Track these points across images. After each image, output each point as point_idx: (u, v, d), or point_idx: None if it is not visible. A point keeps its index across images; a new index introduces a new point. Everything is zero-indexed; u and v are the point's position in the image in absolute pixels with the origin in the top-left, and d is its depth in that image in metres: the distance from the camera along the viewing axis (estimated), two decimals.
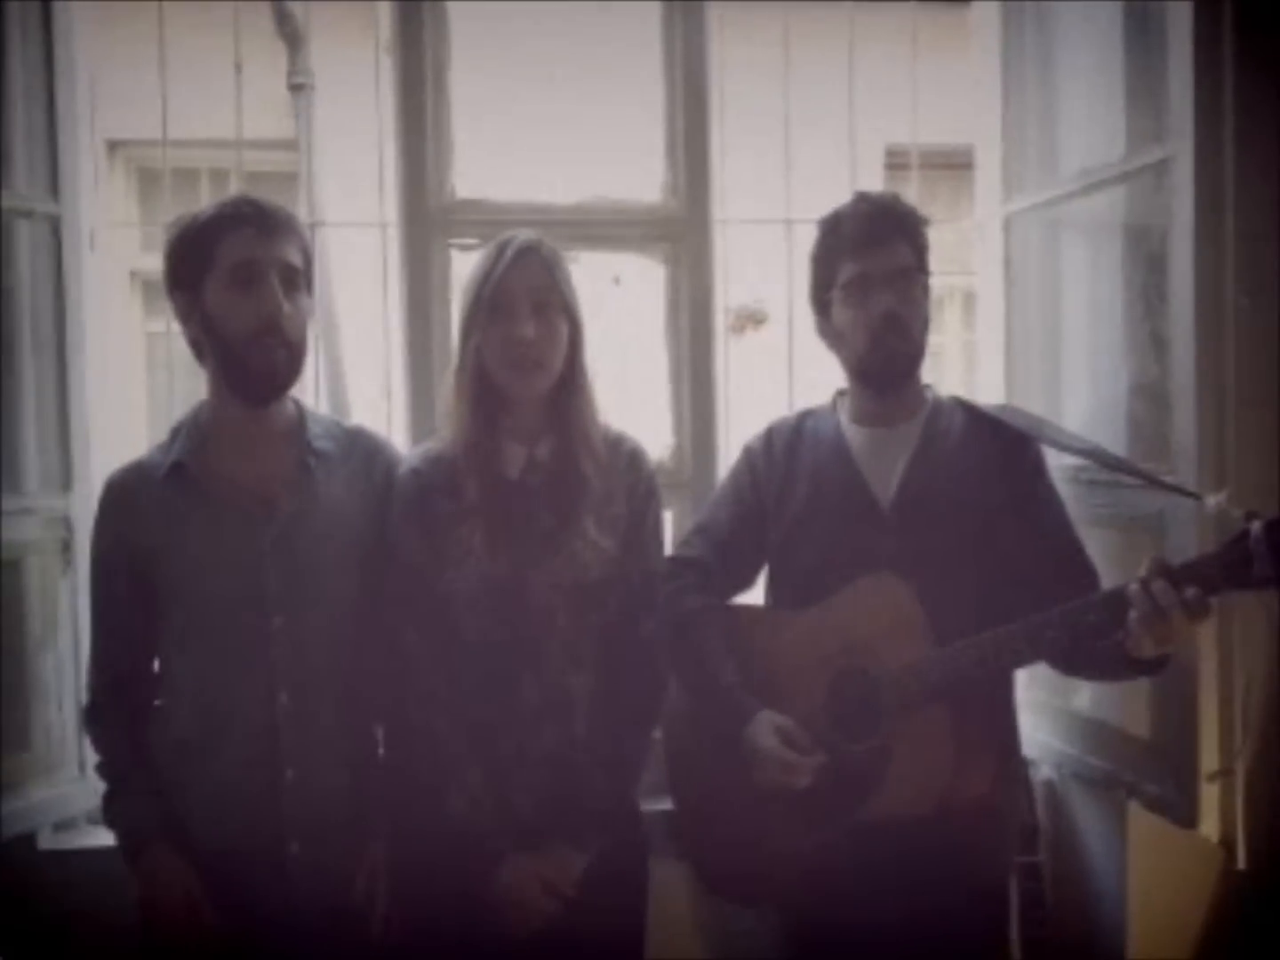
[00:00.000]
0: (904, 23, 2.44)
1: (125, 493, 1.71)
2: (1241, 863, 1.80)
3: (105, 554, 1.73)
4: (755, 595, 1.96)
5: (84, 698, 1.80)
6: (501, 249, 1.68)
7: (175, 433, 1.75)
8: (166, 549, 1.67)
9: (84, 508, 2.08)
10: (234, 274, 1.63)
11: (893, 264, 1.75)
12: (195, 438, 1.71)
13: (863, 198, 1.81)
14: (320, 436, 1.74)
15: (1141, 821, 1.97)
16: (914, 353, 1.79)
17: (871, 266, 1.74)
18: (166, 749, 1.69)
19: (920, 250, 1.79)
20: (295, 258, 1.66)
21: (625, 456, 1.78)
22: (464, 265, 1.79)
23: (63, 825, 2.11)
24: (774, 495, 1.87)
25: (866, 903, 1.68)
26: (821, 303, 1.82)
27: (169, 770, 1.68)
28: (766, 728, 1.71)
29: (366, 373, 2.55)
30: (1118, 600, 1.52)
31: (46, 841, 2.08)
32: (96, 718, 1.75)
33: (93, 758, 1.76)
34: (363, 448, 1.79)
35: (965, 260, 2.49)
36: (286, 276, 1.65)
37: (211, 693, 1.66)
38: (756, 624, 1.88)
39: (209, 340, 1.67)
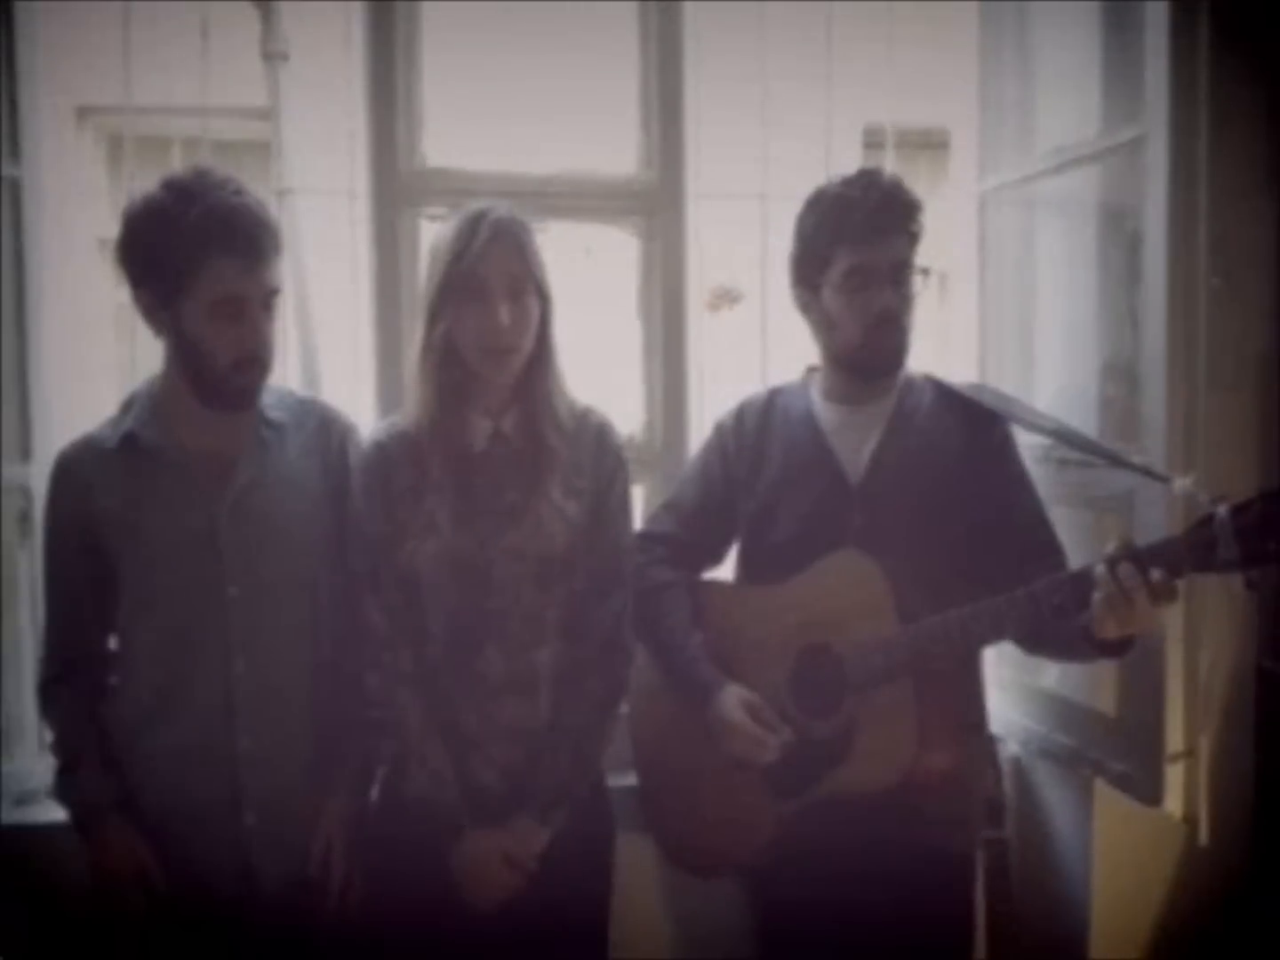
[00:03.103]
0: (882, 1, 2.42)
1: (76, 467, 1.69)
2: (1204, 839, 1.82)
3: (57, 529, 1.71)
4: (725, 571, 1.96)
5: (38, 674, 1.78)
6: (475, 226, 1.63)
7: (127, 405, 1.72)
8: (120, 522, 1.65)
9: (44, 477, 2.01)
10: (219, 307, 1.59)
11: (894, 257, 1.73)
12: (148, 409, 1.69)
13: (871, 182, 1.75)
14: (273, 407, 1.73)
15: (1106, 798, 1.99)
16: (904, 348, 1.78)
17: (873, 259, 1.72)
18: (122, 723, 1.68)
19: (915, 240, 1.77)
20: (276, 279, 1.64)
21: (593, 429, 1.76)
22: (435, 235, 1.76)
23: (22, 799, 2.09)
24: (744, 472, 1.86)
25: (831, 876, 1.68)
26: (810, 283, 1.80)
27: (125, 743, 1.67)
28: (733, 701, 1.71)
29: (336, 342, 2.52)
30: (1084, 581, 1.52)
31: (6, 816, 2.06)
32: (50, 695, 1.74)
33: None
34: (317, 417, 1.78)
35: (940, 239, 2.48)
36: (268, 301, 1.63)
37: (167, 665, 1.65)
38: (724, 598, 1.88)
39: (182, 352, 1.64)
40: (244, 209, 1.59)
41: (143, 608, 1.66)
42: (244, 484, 1.67)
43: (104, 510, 1.66)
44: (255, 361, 1.63)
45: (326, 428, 1.77)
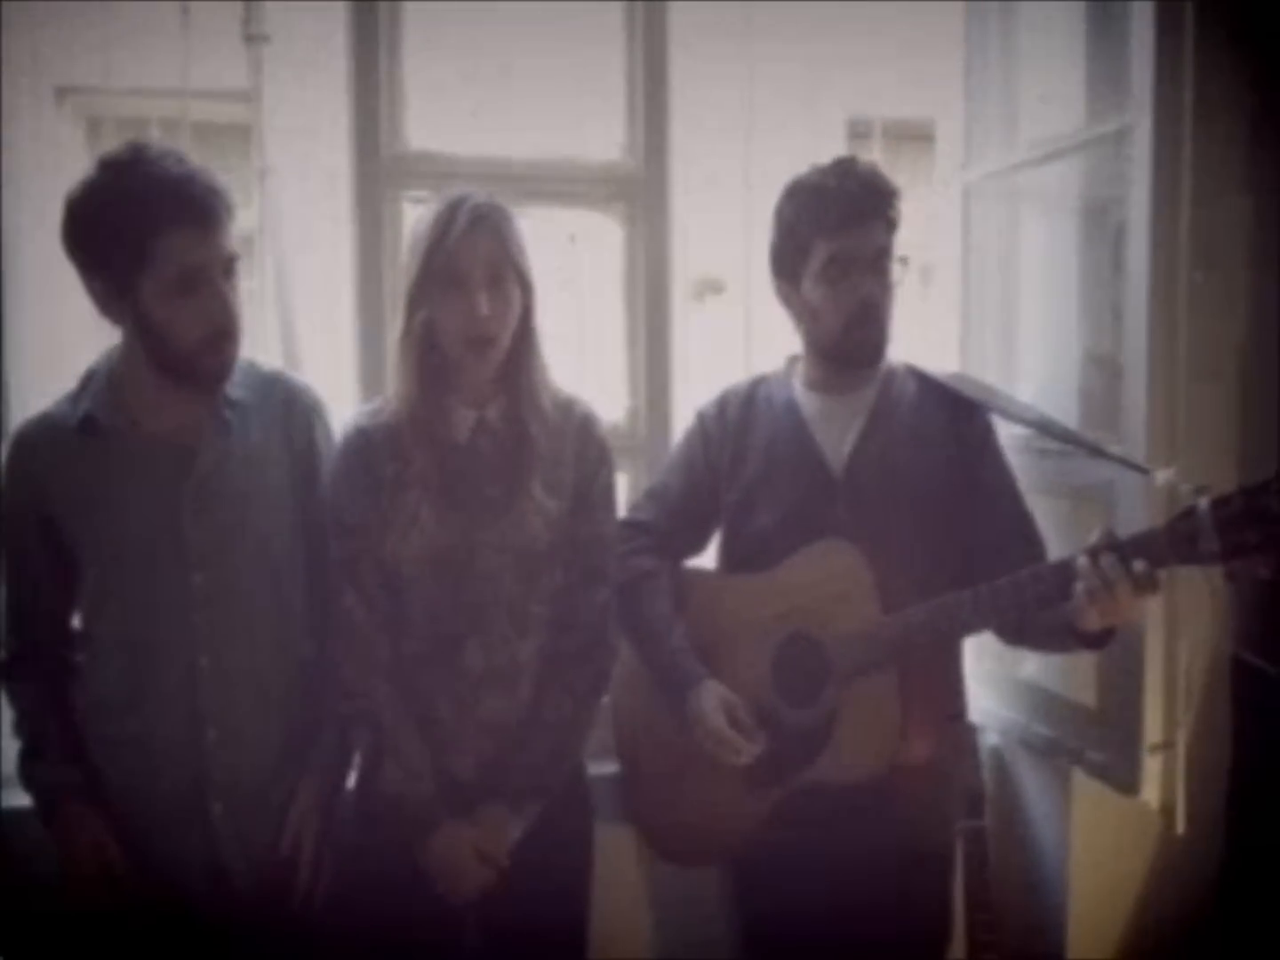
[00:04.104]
0: None
1: (34, 446, 1.65)
2: (1180, 828, 1.83)
3: (14, 510, 1.66)
4: (707, 560, 1.96)
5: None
6: (453, 214, 1.61)
7: (85, 381, 1.68)
8: (80, 503, 1.62)
9: None
10: (180, 283, 1.53)
11: (873, 245, 1.72)
12: (106, 389, 1.64)
13: (847, 170, 1.74)
14: (236, 385, 1.67)
15: (1084, 788, 2.00)
16: (885, 337, 1.77)
17: (853, 247, 1.71)
18: (88, 707, 1.66)
19: (894, 228, 1.76)
20: (230, 245, 1.57)
21: (576, 420, 1.75)
22: (416, 218, 1.74)
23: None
24: (727, 461, 1.86)
25: (812, 865, 1.69)
26: (790, 274, 1.79)
27: (90, 729, 1.66)
28: (712, 700, 1.71)
29: (317, 325, 2.51)
30: (1065, 572, 1.52)
31: None
32: (11, 675, 1.71)
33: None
34: (281, 392, 1.73)
35: (925, 230, 2.49)
36: (229, 268, 1.57)
37: (132, 651, 1.62)
38: (706, 587, 1.88)
39: (147, 338, 1.58)
40: (189, 175, 1.53)
41: (105, 594, 1.64)
42: (207, 468, 1.62)
43: (63, 494, 1.62)
44: (224, 335, 1.57)
45: (290, 404, 1.72)
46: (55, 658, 1.70)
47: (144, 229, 1.50)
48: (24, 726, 1.69)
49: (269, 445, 1.68)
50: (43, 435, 1.65)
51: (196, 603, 1.61)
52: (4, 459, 1.68)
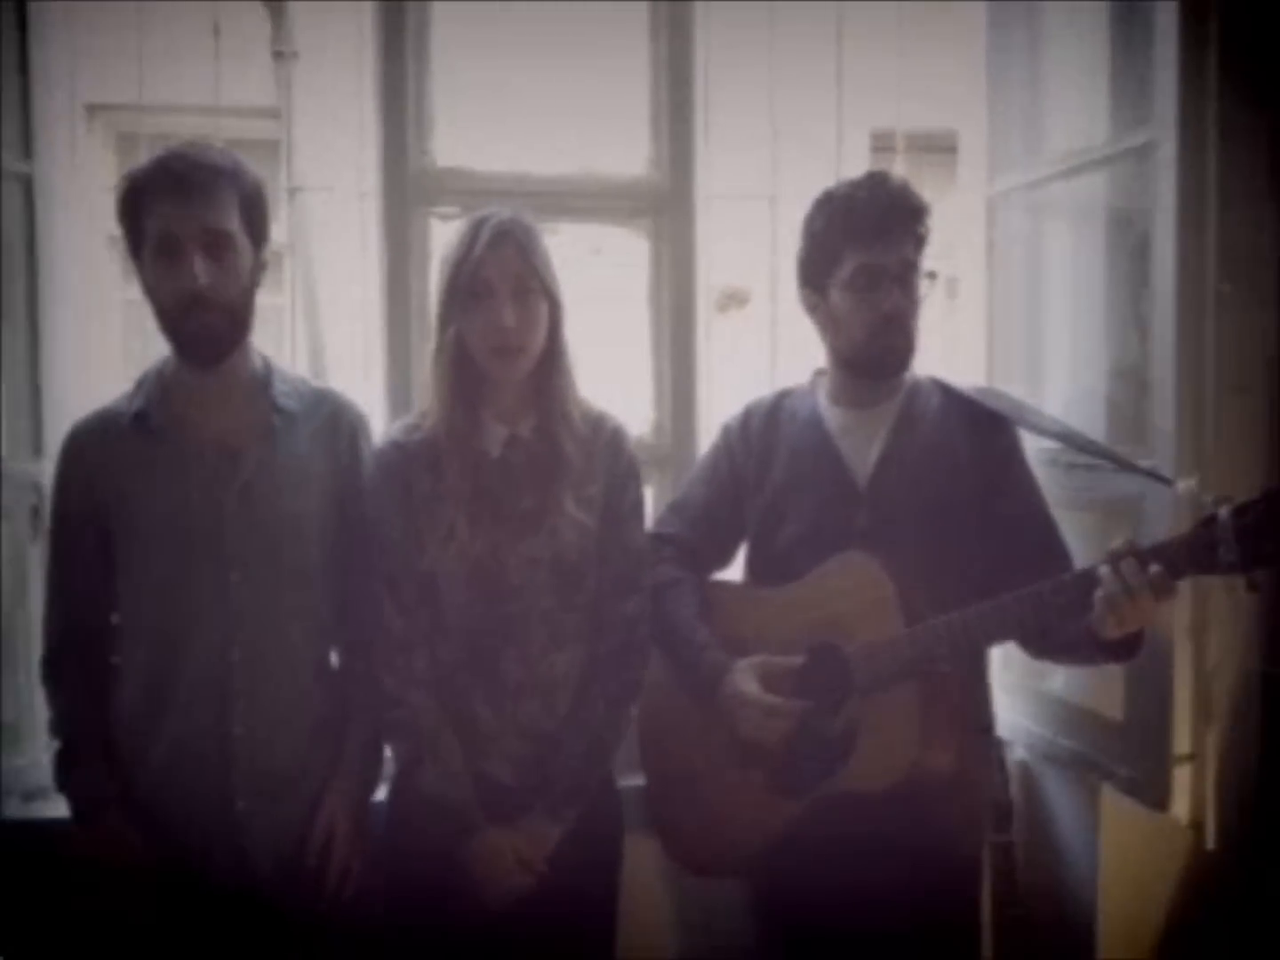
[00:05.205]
0: (892, 4, 2.43)
1: (87, 441, 1.71)
2: (1211, 844, 1.82)
3: (65, 501, 1.72)
4: (733, 573, 1.97)
5: (39, 649, 1.77)
6: (476, 230, 1.65)
7: (140, 383, 1.73)
8: (127, 497, 1.66)
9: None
10: (159, 248, 1.61)
11: (901, 258, 1.73)
12: (159, 389, 1.70)
13: (879, 183, 1.75)
14: (286, 394, 1.73)
15: (1113, 803, 1.99)
16: (910, 349, 1.78)
17: (881, 259, 1.72)
18: (120, 705, 1.69)
19: (923, 243, 1.77)
20: (222, 219, 1.62)
21: (606, 435, 1.77)
22: (444, 234, 1.77)
23: (31, 795, 2.09)
24: (751, 474, 1.87)
25: (836, 877, 1.68)
26: (817, 284, 1.80)
27: (122, 727, 1.68)
28: (745, 674, 1.72)
29: (345, 340, 2.54)
30: (1087, 582, 1.52)
31: (13, 810, 2.07)
32: (53, 672, 1.74)
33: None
34: (329, 407, 1.78)
35: (949, 242, 2.49)
36: (211, 241, 1.61)
37: (166, 647, 1.66)
38: (730, 599, 1.88)
39: (150, 308, 1.66)
40: (183, 154, 1.63)
41: (143, 588, 1.67)
42: (252, 470, 1.67)
43: (112, 485, 1.67)
44: (199, 301, 1.60)
45: (337, 418, 1.77)
46: (94, 652, 1.72)
47: (140, 202, 1.62)
48: (62, 725, 1.72)
49: (314, 456, 1.72)
50: (96, 429, 1.71)
51: (232, 602, 1.65)
52: (59, 453, 1.74)
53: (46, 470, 2.07)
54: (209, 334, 1.64)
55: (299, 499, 1.70)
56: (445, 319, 1.69)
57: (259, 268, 1.70)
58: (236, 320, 1.66)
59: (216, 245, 1.62)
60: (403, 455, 1.71)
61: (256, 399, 1.71)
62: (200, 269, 1.60)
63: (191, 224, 1.60)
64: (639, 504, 1.81)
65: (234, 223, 1.63)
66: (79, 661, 1.72)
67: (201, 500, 1.65)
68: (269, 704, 1.67)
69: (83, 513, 1.69)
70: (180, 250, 1.60)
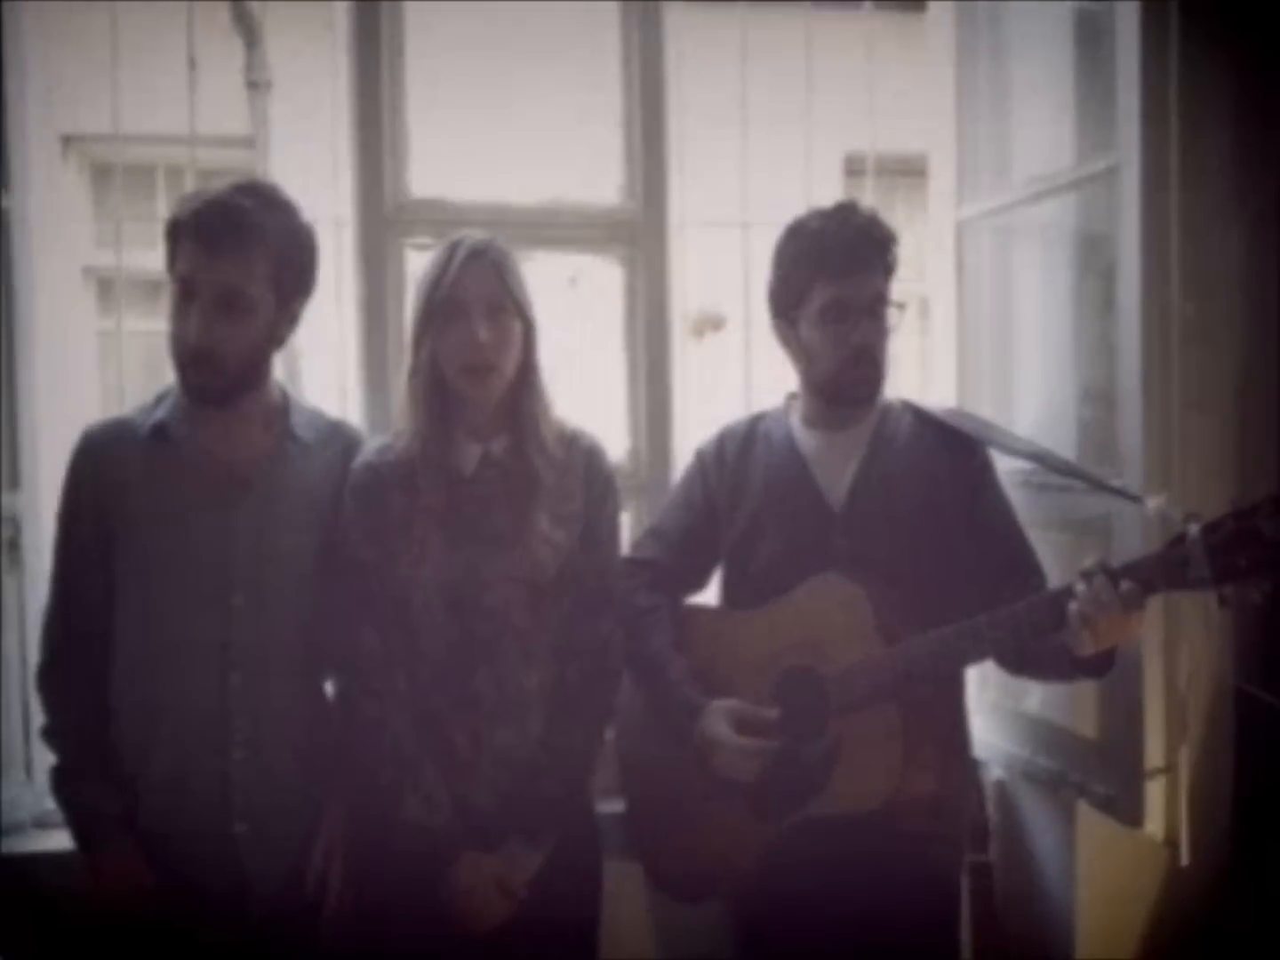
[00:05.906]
0: (861, 30, 2.46)
1: (100, 446, 1.70)
2: (1185, 860, 1.83)
3: (72, 506, 1.70)
4: (709, 596, 1.98)
5: (38, 656, 1.74)
6: (451, 252, 1.67)
7: (160, 397, 1.73)
8: (136, 508, 1.66)
9: (31, 506, 2.06)
10: (178, 289, 1.61)
11: (871, 291, 1.75)
12: (180, 405, 1.70)
13: (847, 217, 1.77)
14: (302, 425, 1.74)
15: (1089, 821, 2.00)
16: (880, 379, 1.80)
17: (850, 294, 1.74)
18: (118, 720, 1.67)
19: (891, 273, 1.79)
20: (241, 279, 1.61)
21: (582, 453, 1.78)
22: (420, 264, 1.78)
23: (8, 830, 2.07)
24: (726, 498, 1.88)
25: (816, 900, 1.69)
26: (788, 315, 1.82)
27: (119, 746, 1.67)
28: (719, 716, 1.73)
29: (321, 369, 2.54)
30: (1060, 600, 1.55)
31: None
32: (50, 677, 1.71)
33: (40, 760, 1.74)
34: (342, 440, 1.79)
35: (919, 266, 2.52)
36: (225, 300, 1.60)
37: (165, 666, 1.65)
38: (706, 623, 1.89)
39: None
40: (218, 200, 1.62)
41: (145, 603, 1.66)
42: (263, 495, 1.68)
43: (121, 495, 1.66)
44: (198, 358, 1.61)
45: (349, 452, 1.77)
46: (93, 662, 1.68)
47: (175, 240, 1.63)
48: (59, 738, 1.69)
49: (324, 486, 1.73)
50: (110, 436, 1.70)
51: (233, 624, 1.65)
52: (71, 455, 1.71)
53: (22, 503, 2.07)
54: (208, 389, 1.64)
55: (306, 528, 1.70)
56: (420, 339, 1.70)
57: (285, 321, 1.69)
58: (243, 375, 1.66)
59: (230, 304, 1.61)
60: (376, 476, 1.72)
61: (271, 428, 1.72)
62: (201, 326, 1.59)
63: (211, 276, 1.60)
64: (615, 523, 1.82)
65: (255, 282, 1.62)
66: (76, 669, 1.69)
67: (210, 520, 1.65)
68: (270, 728, 1.66)
69: (89, 516, 1.68)
70: (192, 299, 1.60)
